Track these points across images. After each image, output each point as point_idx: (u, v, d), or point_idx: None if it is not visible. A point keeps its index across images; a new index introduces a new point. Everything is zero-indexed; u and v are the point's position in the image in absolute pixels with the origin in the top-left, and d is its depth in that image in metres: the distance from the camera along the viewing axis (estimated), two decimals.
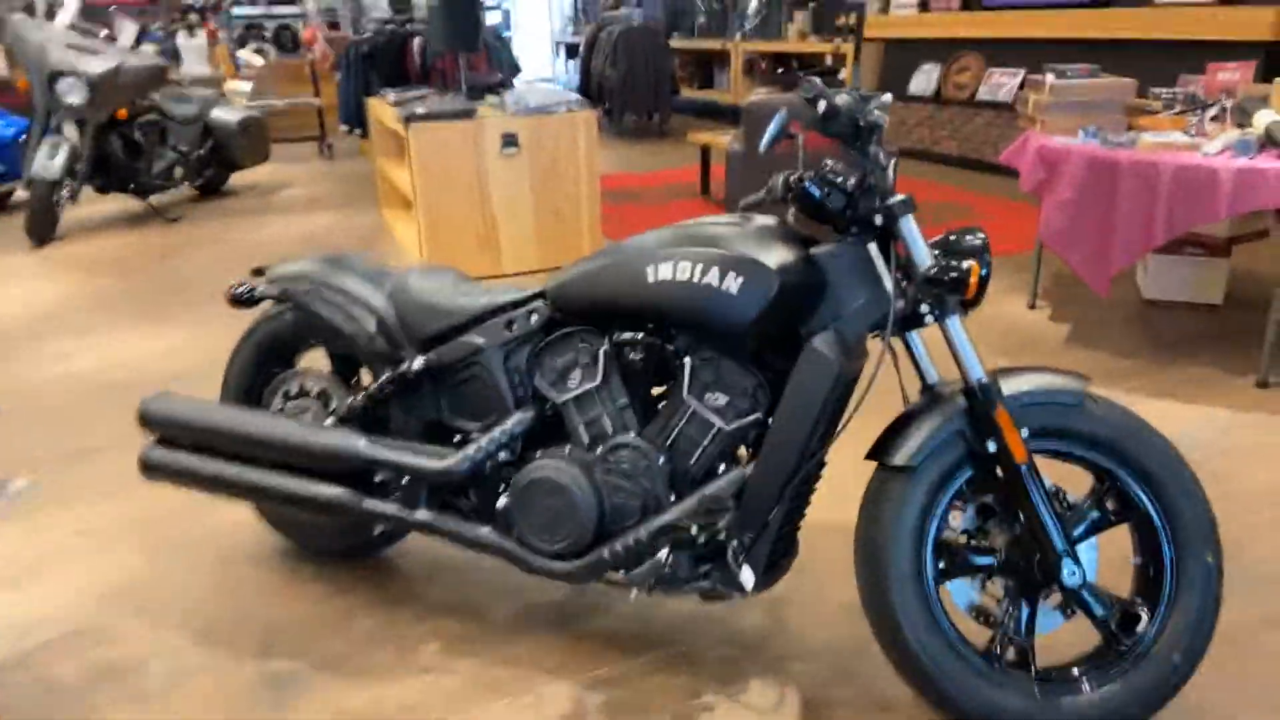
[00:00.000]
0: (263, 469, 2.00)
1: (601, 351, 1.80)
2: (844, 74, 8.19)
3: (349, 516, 1.97)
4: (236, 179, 7.33)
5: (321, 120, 8.53)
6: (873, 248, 1.64)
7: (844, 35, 8.24)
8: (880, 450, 1.65)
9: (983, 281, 1.56)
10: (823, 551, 2.25)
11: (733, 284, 1.60)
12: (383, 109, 5.34)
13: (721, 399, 1.71)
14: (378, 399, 2.01)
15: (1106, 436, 1.59)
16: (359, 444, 1.92)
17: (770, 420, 1.66)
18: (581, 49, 9.97)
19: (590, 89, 9.54)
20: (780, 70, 9.34)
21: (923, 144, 7.61)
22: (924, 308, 1.62)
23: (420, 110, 4.47)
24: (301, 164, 8.30)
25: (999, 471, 1.60)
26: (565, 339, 1.84)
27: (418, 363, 1.93)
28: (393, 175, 5.51)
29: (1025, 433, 1.59)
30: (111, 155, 5.97)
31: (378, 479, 1.99)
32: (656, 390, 1.85)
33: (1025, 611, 1.66)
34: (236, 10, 9.29)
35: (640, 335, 1.76)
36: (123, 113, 5.98)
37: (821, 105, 1.55)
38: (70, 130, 5.61)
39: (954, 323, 1.60)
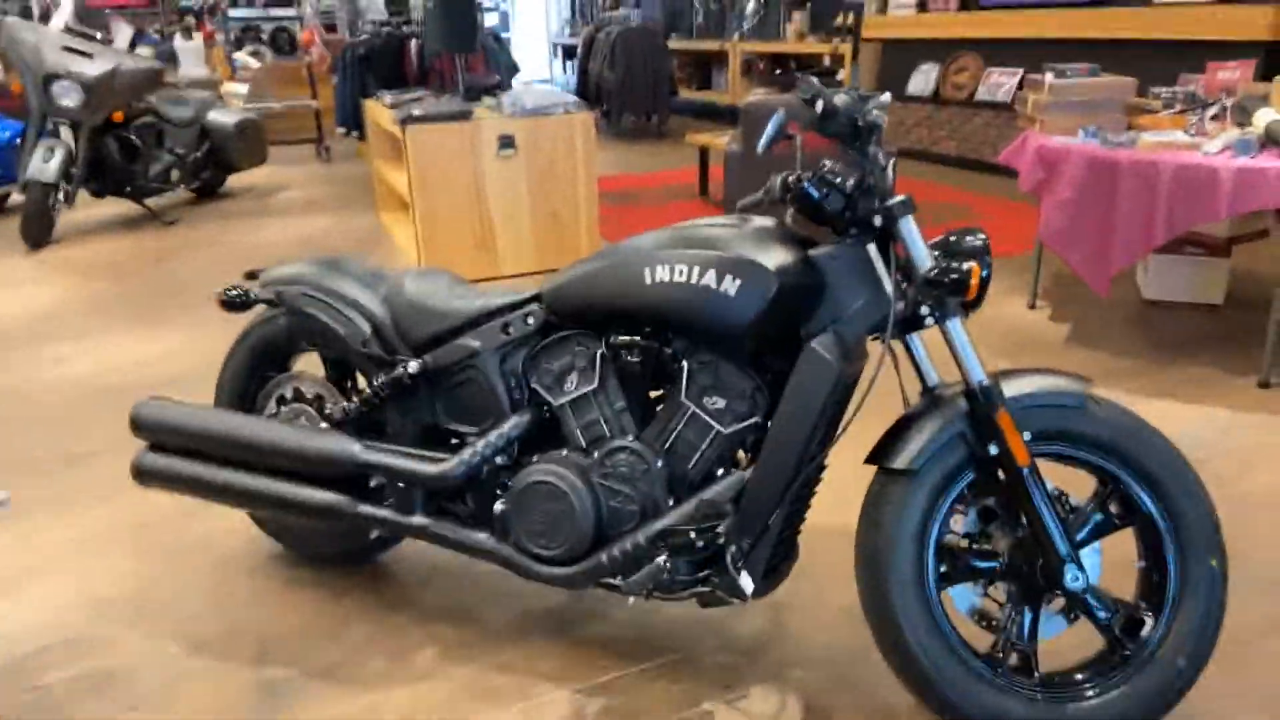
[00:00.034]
0: (256, 474, 1.98)
1: (598, 354, 1.78)
2: (842, 74, 8.18)
3: (344, 522, 1.95)
4: (233, 181, 7.31)
5: (319, 122, 8.51)
6: (872, 249, 1.62)
7: (842, 35, 8.23)
8: (880, 454, 1.63)
9: (983, 283, 1.54)
10: (823, 555, 2.23)
11: (731, 286, 1.58)
12: (379, 111, 5.32)
13: (720, 402, 1.69)
14: (373, 403, 1.99)
15: (1109, 439, 1.57)
16: (354, 449, 1.90)
17: (769, 423, 1.64)
18: (579, 50, 9.95)
19: (588, 90, 9.52)
20: (778, 71, 9.33)
21: (921, 144, 7.60)
22: (924, 309, 1.60)
23: (417, 112, 4.46)
24: (299, 166, 8.28)
25: (1001, 475, 1.59)
26: (562, 342, 1.82)
27: (413, 366, 1.91)
28: (390, 177, 5.49)
29: (1027, 435, 1.57)
30: (107, 158, 5.95)
31: (373, 484, 1.97)
32: (654, 393, 1.83)
33: (1028, 616, 1.64)
34: (233, 13, 9.27)
35: (637, 338, 1.74)
36: (118, 115, 5.96)
37: (819, 105, 1.54)
38: (65, 133, 5.59)
39: (954, 324, 1.59)
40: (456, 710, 1.82)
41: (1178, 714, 1.62)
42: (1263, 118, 3.10)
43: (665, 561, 1.69)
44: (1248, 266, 4.39)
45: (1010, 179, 6.09)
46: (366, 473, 1.92)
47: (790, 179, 1.62)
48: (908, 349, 1.67)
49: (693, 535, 1.68)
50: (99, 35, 6.08)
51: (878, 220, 1.59)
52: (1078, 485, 1.71)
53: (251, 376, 2.18)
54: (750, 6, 9.62)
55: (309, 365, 2.19)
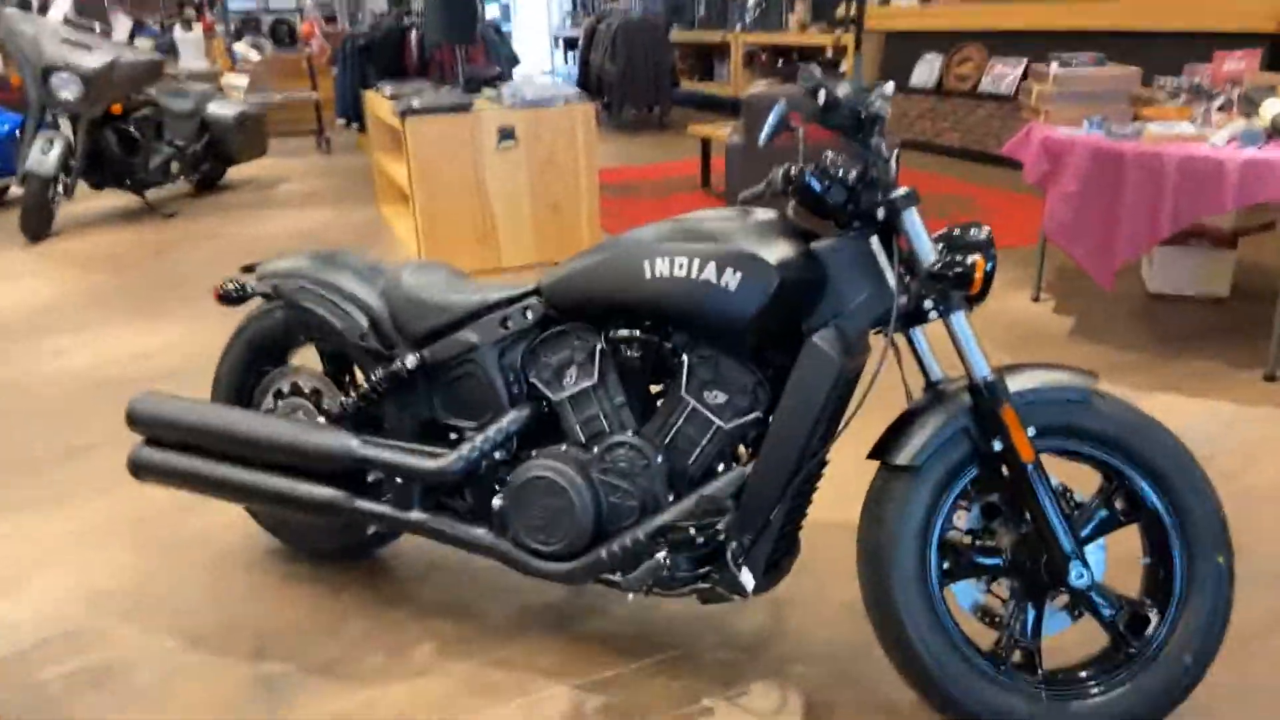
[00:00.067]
0: (253, 469, 1.97)
1: (598, 349, 1.76)
2: (845, 66, 8.14)
3: (341, 517, 1.94)
4: (233, 174, 7.29)
5: (319, 114, 8.48)
6: (875, 242, 1.60)
7: (845, 26, 8.19)
8: (883, 449, 1.62)
9: (988, 276, 1.52)
10: (824, 550, 2.22)
11: (731, 280, 1.56)
12: (379, 102, 5.29)
13: (720, 397, 1.67)
14: (371, 398, 1.98)
15: (1115, 434, 1.55)
16: (351, 443, 1.88)
17: (770, 419, 1.62)
18: (580, 42, 9.91)
19: (590, 82, 9.49)
20: (781, 62, 9.29)
21: (924, 136, 7.56)
22: (928, 303, 1.58)
23: (416, 104, 4.43)
24: (299, 158, 8.26)
25: (1005, 471, 1.57)
26: (561, 336, 1.81)
27: (411, 361, 1.89)
28: (390, 169, 5.47)
29: (1032, 431, 1.55)
30: (107, 150, 5.93)
31: (370, 479, 1.96)
32: (654, 388, 1.82)
33: (1031, 613, 1.62)
34: (233, 4, 9.24)
35: (637, 332, 1.72)
36: (117, 108, 5.94)
37: (822, 96, 1.51)
38: (65, 125, 5.57)
39: (958, 318, 1.56)
40: (455, 706, 1.80)
41: (1183, 712, 1.60)
42: (1270, 108, 3.08)
43: (665, 557, 1.68)
44: (1254, 259, 4.36)
45: (1014, 171, 6.06)
46: (364, 468, 1.90)
47: (792, 171, 1.60)
48: (911, 343, 1.66)
49: (693, 531, 1.67)
50: (98, 27, 6.05)
51: (881, 213, 1.56)
52: (1082, 481, 1.69)
53: (249, 370, 2.17)
54: None
55: (307, 359, 2.18)
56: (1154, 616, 1.60)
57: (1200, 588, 1.56)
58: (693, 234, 1.64)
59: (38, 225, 5.52)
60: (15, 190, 6.25)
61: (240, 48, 8.95)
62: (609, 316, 1.74)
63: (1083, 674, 1.62)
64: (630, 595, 1.76)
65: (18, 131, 6.12)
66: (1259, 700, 1.76)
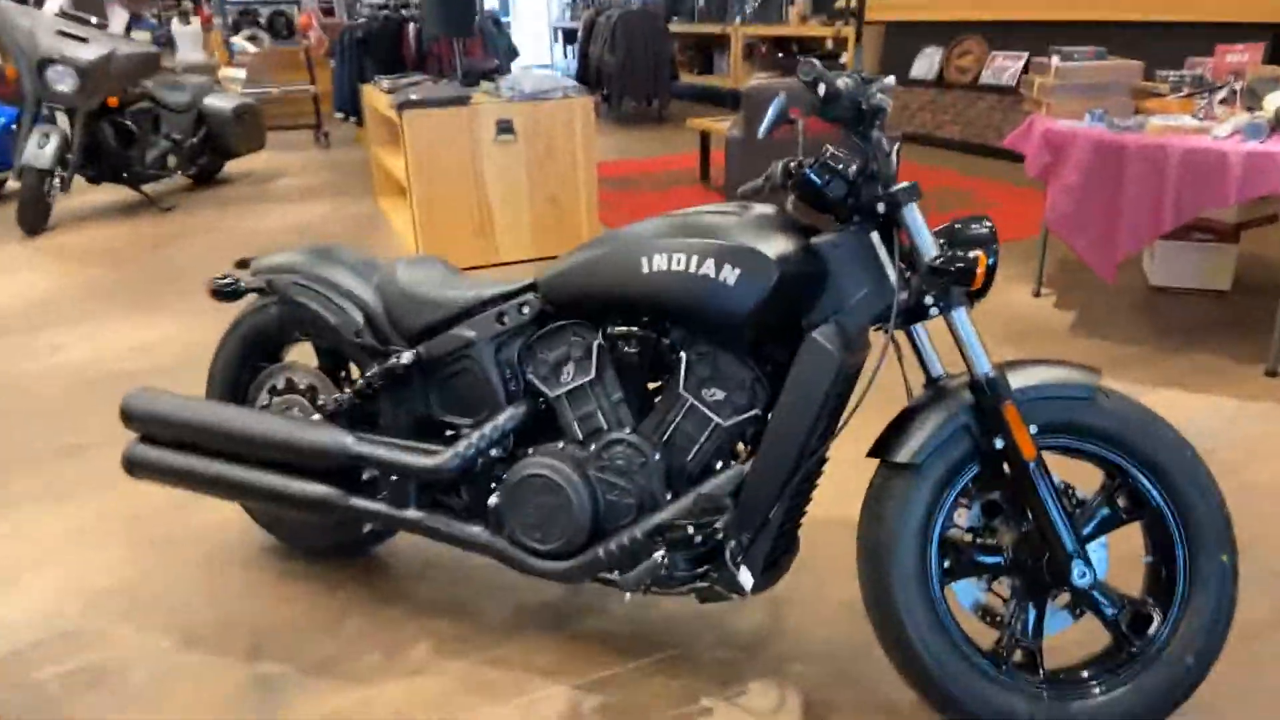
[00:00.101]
0: (248, 466, 1.95)
1: (595, 345, 1.74)
2: (845, 58, 8.10)
3: (336, 515, 1.92)
4: (231, 167, 7.26)
5: (317, 107, 8.44)
6: (875, 237, 1.58)
7: (845, 18, 8.14)
8: (883, 447, 1.60)
9: (990, 272, 1.50)
10: (823, 548, 2.20)
11: (730, 275, 1.54)
12: (377, 96, 5.26)
13: (719, 394, 1.66)
14: (366, 394, 1.96)
15: (1118, 432, 1.53)
16: (346, 440, 1.87)
17: (769, 416, 1.60)
18: (579, 34, 9.86)
19: (589, 75, 9.45)
20: (781, 54, 9.24)
21: (925, 128, 7.53)
22: (928, 299, 1.56)
23: (414, 97, 4.40)
24: (297, 152, 8.22)
25: (1006, 468, 1.55)
26: (558, 332, 1.79)
27: (406, 357, 1.88)
28: (387, 163, 5.44)
29: (1034, 428, 1.54)
30: (103, 144, 5.90)
31: (366, 476, 1.94)
32: (652, 385, 1.80)
33: (1033, 612, 1.61)
34: None
35: (635, 328, 1.70)
36: (114, 101, 5.90)
37: (822, 89, 1.49)
38: (61, 119, 5.54)
39: (960, 314, 1.55)
40: (451, 705, 1.79)
41: (1185, 711, 1.59)
42: (1273, 101, 3.05)
43: (663, 556, 1.66)
44: (1256, 252, 4.34)
45: (1015, 163, 6.03)
46: (359, 465, 1.88)
47: (792, 165, 1.58)
48: (911, 339, 1.64)
49: (691, 530, 1.65)
50: (94, 19, 6.02)
51: (881, 207, 1.54)
52: (1083, 478, 1.68)
53: (243, 367, 2.15)
54: None
55: (302, 355, 2.16)
56: (1156, 616, 1.58)
57: (1203, 587, 1.55)
58: (691, 228, 1.62)
59: (34, 219, 5.49)
60: (11, 184, 6.22)
61: (238, 40, 8.91)
62: (606, 312, 1.72)
63: (1085, 674, 1.60)
64: (628, 594, 1.74)
65: (14, 125, 6.09)
66: (1262, 700, 1.75)
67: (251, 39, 8.89)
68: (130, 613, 2.10)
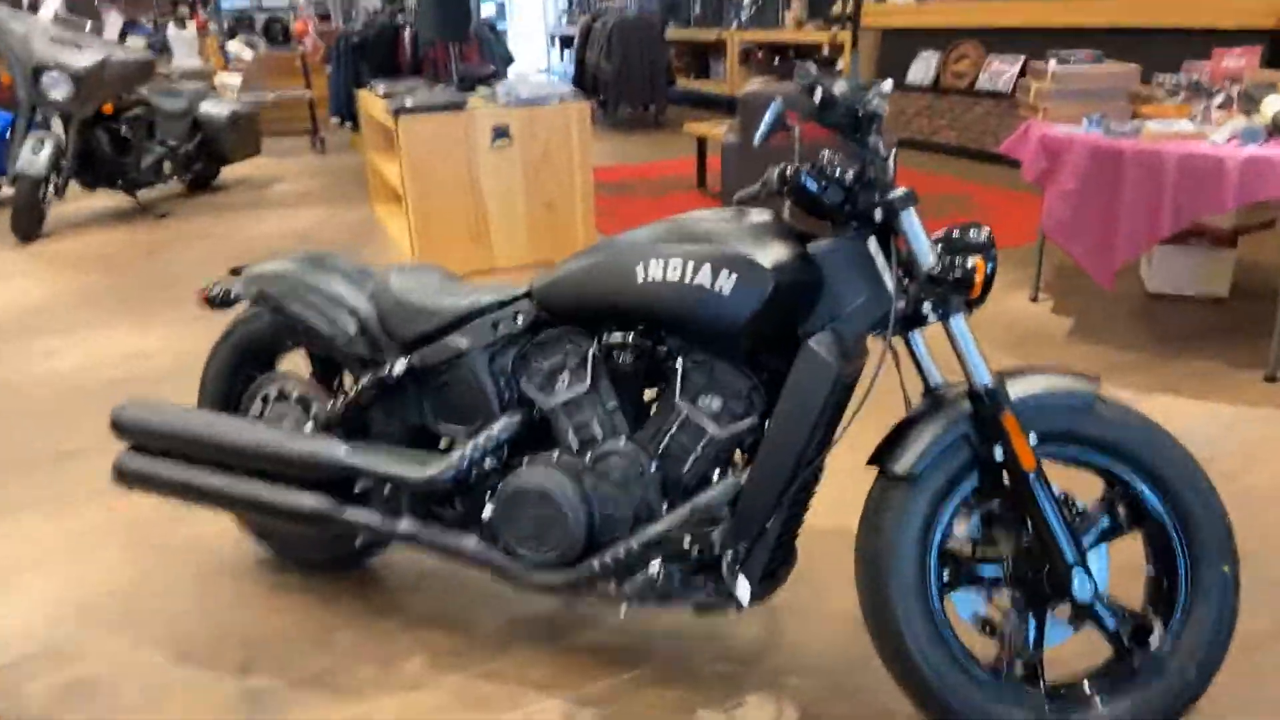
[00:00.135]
0: (240, 477, 1.93)
1: (590, 353, 1.72)
2: (841, 63, 8.10)
3: (329, 528, 1.89)
4: (226, 173, 7.24)
5: (313, 113, 8.43)
6: (872, 243, 1.56)
7: (841, 24, 8.15)
8: (882, 456, 1.58)
9: (988, 279, 1.49)
10: (821, 559, 2.18)
11: (725, 284, 1.52)
12: (372, 101, 5.25)
13: (715, 403, 1.64)
14: (359, 403, 1.94)
15: (1118, 440, 1.52)
16: (339, 451, 1.84)
17: (766, 424, 1.59)
18: (576, 40, 9.86)
19: (585, 80, 9.44)
20: (777, 60, 9.25)
21: (921, 134, 7.53)
22: (926, 306, 1.54)
23: (409, 102, 4.39)
24: (293, 158, 8.21)
25: (1006, 479, 1.53)
26: (553, 340, 1.77)
27: (399, 366, 1.86)
28: (383, 169, 5.43)
29: (1033, 437, 1.52)
30: (98, 150, 5.88)
31: (359, 488, 1.92)
32: (648, 393, 1.78)
33: (1033, 624, 1.59)
34: (226, 3, 9.18)
35: (630, 336, 1.68)
36: (109, 107, 5.89)
37: (818, 94, 1.48)
38: (56, 125, 5.52)
39: (958, 322, 1.53)
40: (447, 719, 1.77)
41: None
42: (1270, 105, 3.05)
43: (659, 568, 1.64)
44: (1254, 258, 4.32)
45: (1011, 169, 6.03)
46: (352, 476, 1.86)
47: (788, 171, 1.56)
48: (909, 347, 1.62)
49: (687, 541, 1.63)
50: (89, 25, 6.00)
51: (878, 214, 1.53)
52: (1082, 486, 1.66)
53: (235, 375, 2.13)
54: None
55: (296, 364, 2.14)
56: (1158, 627, 1.56)
57: (1205, 597, 1.53)
58: (687, 235, 1.60)
59: (28, 226, 5.48)
60: (6, 190, 6.19)
61: (233, 46, 8.90)
62: (602, 320, 1.70)
63: (1086, 686, 1.58)
64: (623, 607, 1.72)
65: (8, 131, 6.07)
66: (1264, 711, 1.73)
67: (248, 44, 8.88)
68: (122, 624, 2.08)
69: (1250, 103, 3.20)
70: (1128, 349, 3.40)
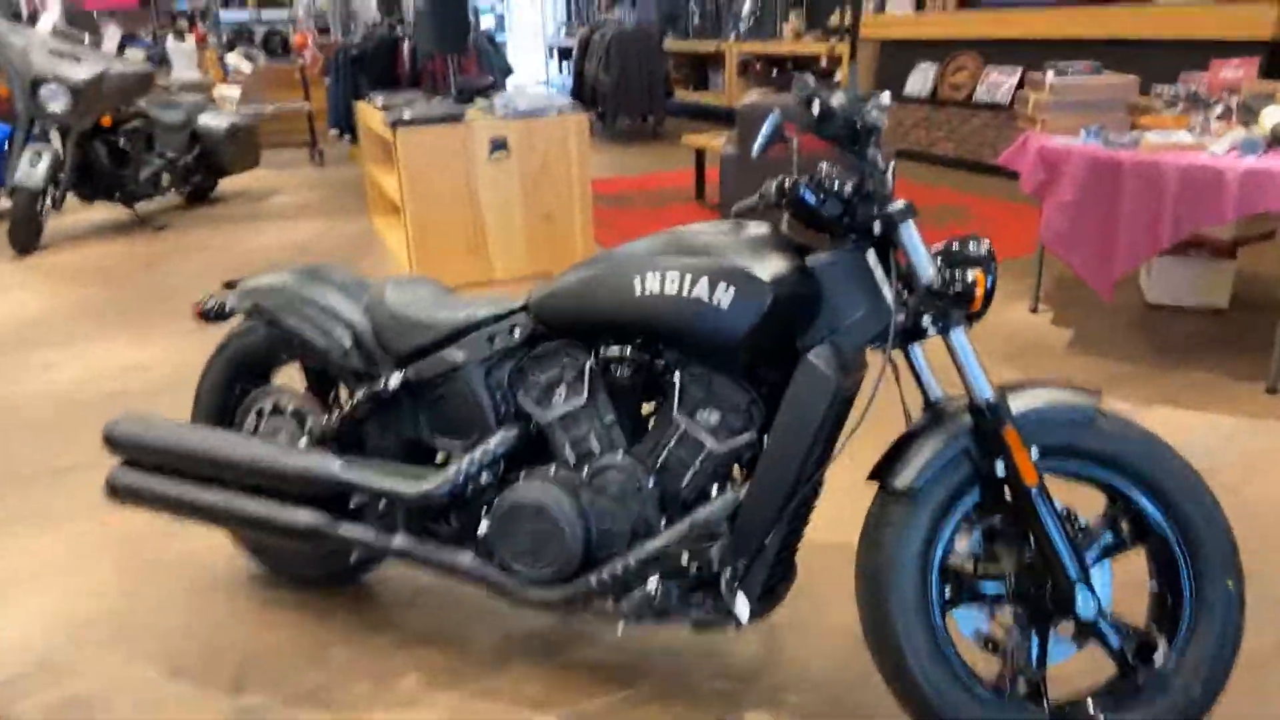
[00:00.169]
0: (234, 492, 1.91)
1: (587, 367, 1.71)
2: (839, 75, 8.12)
3: (323, 544, 1.87)
4: (225, 186, 7.23)
5: (312, 126, 8.44)
6: (871, 256, 1.55)
7: (839, 35, 8.17)
8: (882, 471, 1.56)
9: (988, 292, 1.48)
10: (821, 574, 2.16)
11: (723, 297, 1.51)
12: (371, 113, 5.25)
13: (713, 417, 1.62)
14: (354, 418, 1.92)
15: (1120, 455, 1.50)
16: (333, 466, 1.83)
17: (765, 439, 1.57)
18: (574, 52, 9.89)
19: (584, 92, 9.46)
20: (775, 71, 9.27)
21: (919, 145, 7.54)
22: (926, 319, 1.52)
23: (407, 114, 4.38)
24: (291, 170, 8.21)
25: (1007, 494, 1.51)
26: (550, 354, 1.75)
27: (395, 379, 1.84)
28: (381, 181, 5.42)
29: (1035, 452, 1.50)
30: (96, 163, 5.88)
31: (354, 503, 1.90)
32: (646, 407, 1.76)
33: (1036, 641, 1.57)
34: (225, 15, 9.21)
35: (628, 350, 1.67)
36: (107, 119, 5.89)
37: (816, 106, 1.47)
38: (54, 138, 5.52)
39: (958, 335, 1.52)
40: None
41: None
42: (1269, 117, 3.04)
43: (656, 585, 1.62)
44: (1253, 269, 4.32)
45: (1009, 180, 6.03)
46: (347, 491, 1.84)
47: (786, 183, 1.55)
48: (909, 360, 1.61)
49: (685, 557, 1.61)
50: (87, 38, 6.01)
51: (877, 226, 1.52)
52: (1084, 502, 1.64)
53: (230, 389, 2.11)
54: (746, 7, 9.56)
55: (291, 378, 2.12)
56: (1162, 644, 1.54)
57: (1209, 613, 1.51)
58: (685, 248, 1.59)
59: (26, 238, 5.46)
60: (4, 203, 6.19)
61: (232, 59, 8.91)
62: (599, 334, 1.69)
63: (1089, 705, 1.56)
64: (620, 624, 1.70)
65: (6, 144, 6.07)
66: None
67: (246, 57, 8.89)
68: (115, 640, 2.05)
69: (1248, 114, 3.20)
70: (1127, 360, 3.39)
